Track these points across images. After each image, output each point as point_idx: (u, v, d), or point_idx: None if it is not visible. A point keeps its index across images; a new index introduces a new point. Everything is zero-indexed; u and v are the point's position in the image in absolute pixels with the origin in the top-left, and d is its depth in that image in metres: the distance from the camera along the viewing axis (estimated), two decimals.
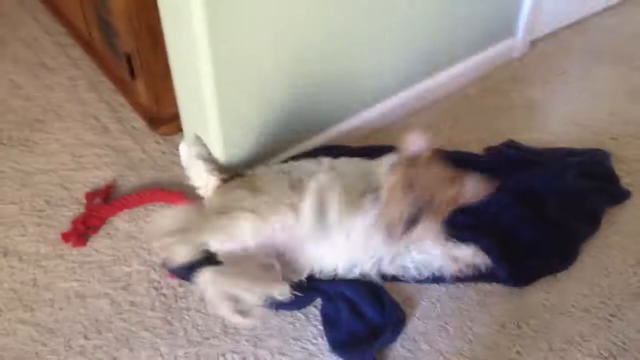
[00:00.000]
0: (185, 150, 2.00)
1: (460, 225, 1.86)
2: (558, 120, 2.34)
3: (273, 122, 1.98)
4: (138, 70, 2.05)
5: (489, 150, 2.19)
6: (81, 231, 1.94)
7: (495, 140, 2.23)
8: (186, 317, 1.80)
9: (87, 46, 2.38)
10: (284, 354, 1.73)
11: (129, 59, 2.04)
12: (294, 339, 1.77)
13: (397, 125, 2.30)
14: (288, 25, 1.81)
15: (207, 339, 1.75)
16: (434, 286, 1.87)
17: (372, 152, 2.01)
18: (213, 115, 1.84)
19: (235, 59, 1.75)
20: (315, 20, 1.87)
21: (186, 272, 1.77)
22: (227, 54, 1.72)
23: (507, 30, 2.49)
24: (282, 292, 1.70)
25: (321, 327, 1.78)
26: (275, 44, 1.81)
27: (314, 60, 1.95)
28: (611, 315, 1.82)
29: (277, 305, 1.77)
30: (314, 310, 1.82)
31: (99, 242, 1.95)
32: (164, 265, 1.86)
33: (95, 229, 1.97)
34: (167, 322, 1.79)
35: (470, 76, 2.46)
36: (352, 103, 2.17)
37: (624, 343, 1.76)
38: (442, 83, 2.38)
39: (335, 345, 1.74)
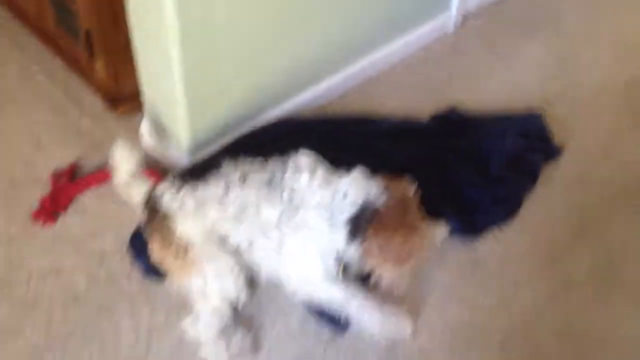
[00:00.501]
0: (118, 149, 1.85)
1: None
2: (495, 87, 2.52)
3: (235, 94, 2.07)
4: (97, 48, 2.09)
5: (434, 117, 2.34)
6: (50, 210, 1.98)
7: (437, 109, 2.38)
8: (162, 285, 1.87)
9: (38, 30, 2.39)
10: (259, 314, 1.84)
11: (88, 37, 2.07)
12: (268, 299, 1.87)
13: (345, 98, 2.43)
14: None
15: (185, 304, 1.82)
16: None
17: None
18: (179, 89, 1.90)
19: (203, 30, 1.82)
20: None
21: (147, 266, 1.86)
22: (194, 26, 1.79)
23: (442, 6, 2.65)
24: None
25: None
26: (238, 15, 1.90)
27: (271, 37, 2.05)
28: (553, 259, 2.01)
29: None
30: None
31: (69, 220, 2.00)
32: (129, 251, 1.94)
33: (64, 207, 2.01)
34: (144, 292, 1.86)
35: (410, 50, 2.60)
36: (303, 79, 2.28)
37: (567, 282, 1.95)
38: (383, 57, 2.51)
39: (310, 307, 1.84)
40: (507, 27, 2.81)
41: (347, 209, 1.63)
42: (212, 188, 1.71)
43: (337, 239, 1.65)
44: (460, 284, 1.94)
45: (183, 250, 1.70)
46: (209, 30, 1.85)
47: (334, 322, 1.81)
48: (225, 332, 1.74)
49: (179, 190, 1.72)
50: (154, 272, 1.87)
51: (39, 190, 2.05)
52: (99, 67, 2.16)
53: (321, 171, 1.69)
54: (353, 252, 1.65)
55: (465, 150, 2.19)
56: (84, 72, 2.26)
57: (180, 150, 2.09)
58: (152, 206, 1.74)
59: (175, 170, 2.02)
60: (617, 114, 2.44)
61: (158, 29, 1.81)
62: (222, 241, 1.73)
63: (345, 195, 1.63)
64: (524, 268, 1.98)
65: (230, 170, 1.74)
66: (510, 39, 2.75)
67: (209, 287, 1.70)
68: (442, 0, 2.64)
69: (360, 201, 1.62)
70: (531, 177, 2.18)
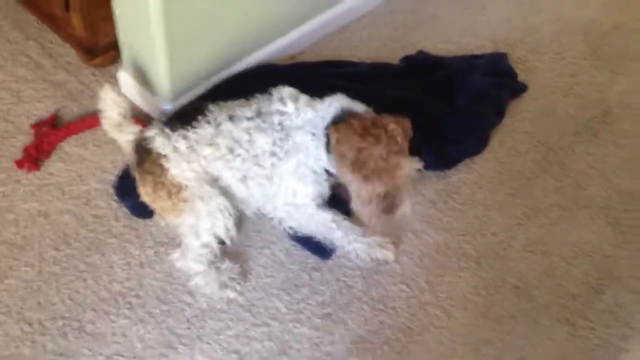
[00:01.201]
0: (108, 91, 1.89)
1: None
2: (459, 32, 2.60)
3: (214, 41, 2.12)
4: (73, 1, 2.11)
5: (405, 59, 2.42)
6: (34, 156, 2.02)
7: (407, 52, 2.46)
8: (149, 222, 1.93)
9: None
10: (247, 246, 1.91)
11: None
12: (254, 232, 1.95)
13: (315, 47, 2.49)
14: None
15: (173, 238, 1.90)
16: None
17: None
18: (158, 37, 1.93)
19: None
20: None
21: (134, 205, 1.92)
22: None
23: None
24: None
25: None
26: None
27: None
28: (522, 186, 2.12)
29: None
30: None
31: (52, 166, 2.03)
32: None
33: (47, 154, 2.05)
34: (132, 229, 1.91)
35: (377, 1, 2.67)
36: (275, 29, 2.34)
37: (535, 206, 2.06)
38: (352, 8, 2.57)
39: (294, 238, 1.92)
40: None
41: (327, 118, 1.73)
42: (203, 129, 1.79)
43: (322, 154, 1.73)
44: (435, 211, 2.03)
45: (176, 191, 1.77)
46: None
47: (319, 250, 1.89)
48: (213, 264, 1.81)
49: (170, 133, 1.79)
50: (140, 211, 1.93)
51: (21, 141, 2.08)
52: (75, 19, 2.18)
53: (304, 97, 1.76)
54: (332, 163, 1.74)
55: (433, 86, 2.27)
56: (59, 26, 2.28)
57: (159, 97, 2.13)
58: (143, 149, 1.80)
59: (160, 116, 2.06)
60: (577, 53, 2.55)
61: None
62: (214, 181, 1.80)
63: (327, 109, 1.71)
64: (495, 195, 2.09)
65: (217, 111, 1.82)
66: None
67: (201, 226, 1.77)
68: None
69: (338, 109, 1.72)
70: (497, 111, 2.28)
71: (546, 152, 2.21)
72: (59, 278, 1.79)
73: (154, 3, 1.84)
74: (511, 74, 2.40)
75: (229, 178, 1.82)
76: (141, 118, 2.14)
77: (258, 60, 2.33)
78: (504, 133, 2.25)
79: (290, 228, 1.89)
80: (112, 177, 2.01)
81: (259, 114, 1.80)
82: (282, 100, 1.79)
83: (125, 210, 1.94)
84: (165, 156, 1.78)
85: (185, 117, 1.85)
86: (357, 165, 1.69)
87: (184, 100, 2.15)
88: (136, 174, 1.84)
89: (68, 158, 2.06)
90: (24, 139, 2.08)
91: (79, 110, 2.19)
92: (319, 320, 1.78)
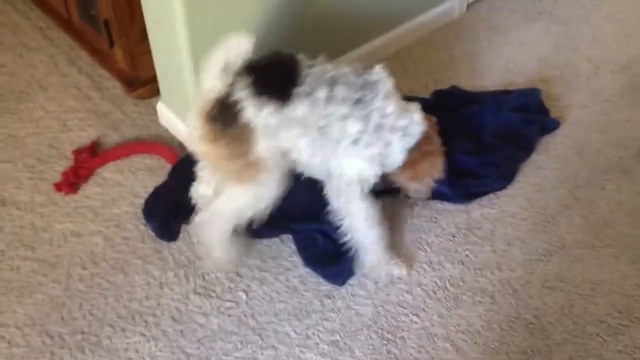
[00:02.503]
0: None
1: None
2: (494, 69, 2.62)
3: None
4: (116, 36, 2.27)
5: (436, 93, 2.45)
6: (72, 180, 2.15)
7: (440, 87, 2.49)
8: (173, 246, 2.02)
9: (65, 25, 2.58)
10: (263, 270, 1.96)
11: (107, 27, 2.26)
12: (271, 258, 2.00)
13: None
14: None
15: (193, 261, 1.97)
16: (397, 209, 2.12)
17: None
18: (189, 78, 2.05)
19: (211, 23, 1.96)
20: None
21: (158, 228, 2.02)
22: (201, 16, 1.94)
23: None
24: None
25: (294, 248, 2.01)
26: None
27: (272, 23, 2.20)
28: (546, 222, 2.09)
29: (252, 234, 2.00)
30: (288, 236, 2.05)
31: (89, 190, 2.16)
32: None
33: (84, 178, 2.18)
34: (156, 251, 2.00)
35: (417, 34, 2.72)
36: None
37: (557, 243, 2.03)
38: (391, 40, 2.64)
39: (309, 262, 1.97)
40: (508, 13, 2.91)
41: (415, 136, 1.85)
42: (298, 106, 1.70)
43: (401, 156, 1.86)
44: (453, 244, 2.03)
45: (253, 165, 1.73)
46: (217, 22, 2.00)
47: (333, 276, 1.93)
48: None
49: (262, 104, 1.67)
50: (165, 233, 2.02)
51: (62, 166, 2.22)
52: (118, 54, 2.34)
53: (398, 98, 1.84)
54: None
55: (460, 121, 2.29)
56: (105, 60, 2.44)
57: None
58: (228, 106, 1.67)
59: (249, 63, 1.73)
60: (613, 91, 2.51)
61: (168, 21, 1.96)
62: (285, 154, 1.79)
63: (414, 125, 1.85)
64: (517, 230, 2.07)
65: (314, 82, 1.71)
66: (511, 26, 2.84)
67: (246, 202, 1.79)
68: None
69: (423, 131, 1.86)
70: (525, 148, 2.27)
71: (574, 189, 2.18)
72: (83, 295, 1.89)
73: (183, 39, 1.96)
74: (542, 111, 2.39)
75: (304, 152, 1.79)
76: (173, 147, 2.25)
77: None
78: (531, 169, 2.24)
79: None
80: (142, 201, 2.11)
81: (358, 102, 1.77)
82: (386, 97, 1.79)
83: (151, 232, 2.04)
84: (254, 130, 1.69)
85: (278, 79, 1.72)
86: (417, 173, 1.94)
87: None
88: (209, 128, 1.70)
89: (104, 183, 2.18)
90: (66, 164, 2.22)
91: (119, 138, 2.32)
92: (326, 347, 1.80)
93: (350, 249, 1.95)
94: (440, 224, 2.08)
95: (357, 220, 1.88)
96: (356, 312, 1.88)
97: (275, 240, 2.04)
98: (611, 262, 1.98)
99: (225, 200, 1.82)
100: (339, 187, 1.85)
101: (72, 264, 1.97)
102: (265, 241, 2.03)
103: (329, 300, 1.90)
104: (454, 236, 2.05)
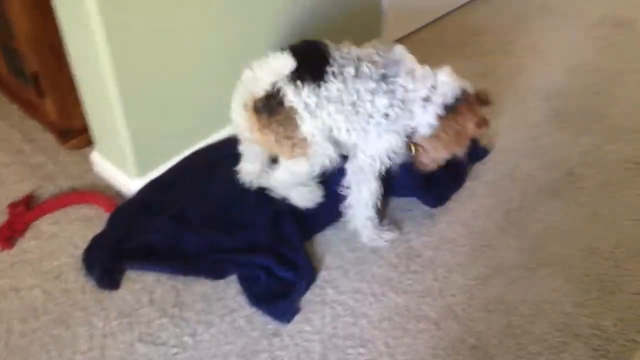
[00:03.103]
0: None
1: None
2: None
3: (176, 122, 2.23)
4: (46, 88, 2.26)
5: None
6: (8, 235, 2.11)
7: None
8: (115, 295, 1.99)
9: None
10: (208, 313, 1.95)
11: (36, 79, 2.24)
12: (216, 300, 1.99)
13: None
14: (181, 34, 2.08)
15: (137, 310, 1.95)
16: (337, 243, 2.15)
17: None
18: (121, 124, 2.06)
19: (138, 70, 2.00)
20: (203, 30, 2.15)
21: (99, 278, 2.00)
22: (129, 66, 1.96)
23: (374, 33, 2.86)
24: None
25: (240, 288, 2.01)
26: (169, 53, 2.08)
27: (207, 73, 2.23)
28: (484, 246, 2.15)
29: (197, 274, 2.01)
30: (232, 277, 2.05)
31: (26, 244, 2.12)
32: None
33: (21, 232, 2.14)
34: (98, 302, 1.97)
35: None
36: None
37: (495, 266, 2.09)
38: None
39: (255, 300, 1.97)
40: (433, 48, 3.02)
41: (447, 97, 1.99)
42: (331, 84, 1.92)
43: (431, 120, 2.00)
44: (396, 274, 2.07)
45: (301, 144, 1.98)
46: (144, 70, 2.03)
47: (279, 314, 1.93)
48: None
49: (301, 87, 1.91)
50: (106, 282, 1.99)
51: None
52: (49, 106, 2.33)
53: (423, 71, 2.01)
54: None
55: None
56: (36, 112, 2.42)
57: (129, 175, 2.23)
58: (270, 103, 1.92)
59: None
60: (540, 117, 2.63)
61: (95, 71, 1.98)
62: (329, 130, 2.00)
63: (442, 86, 2.00)
64: (456, 256, 2.12)
65: (342, 61, 1.94)
66: (436, 60, 2.93)
67: (304, 171, 2.05)
68: (372, 29, 2.84)
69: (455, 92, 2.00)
70: (456, 177, 2.34)
71: (507, 213, 2.25)
72: (25, 351, 1.84)
73: (112, 88, 1.97)
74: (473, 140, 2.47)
75: (342, 129, 1.99)
76: (110, 196, 2.24)
77: (231, 134, 2.43)
78: (467, 196, 2.31)
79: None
80: (81, 252, 2.08)
81: (384, 77, 1.95)
82: (407, 74, 1.97)
83: (92, 283, 2.01)
84: (297, 112, 1.92)
85: (311, 63, 1.93)
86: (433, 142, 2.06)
87: (153, 174, 2.25)
88: (256, 118, 1.95)
89: (42, 235, 2.15)
90: (1, 218, 2.18)
91: (54, 189, 2.30)
92: None
93: (295, 283, 1.97)
94: (382, 255, 2.12)
95: (364, 195, 2.06)
96: (304, 348, 1.88)
97: (220, 281, 2.04)
98: (548, 282, 2.04)
99: (283, 170, 2.09)
100: (363, 163, 2.03)
101: (13, 319, 1.92)
102: (209, 283, 2.03)
103: (276, 339, 1.90)
104: (395, 266, 2.09)
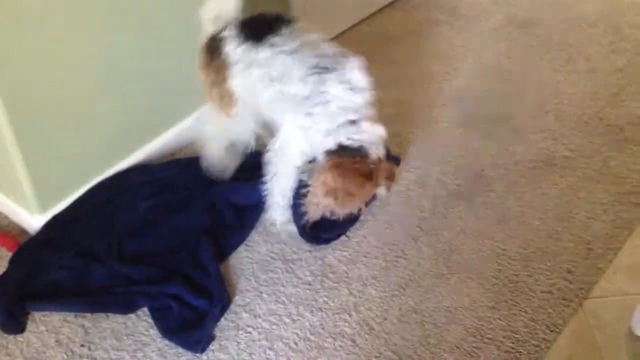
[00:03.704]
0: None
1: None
2: None
3: (76, 154, 2.17)
4: None
5: None
6: None
7: None
8: (20, 338, 1.91)
9: None
10: (119, 350, 1.90)
11: None
12: (127, 335, 1.93)
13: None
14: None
15: (44, 352, 1.88)
16: (249, 263, 2.13)
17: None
18: (20, 167, 2.00)
19: (28, 104, 1.94)
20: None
21: (3, 322, 1.93)
22: (17, 100, 1.90)
23: None
24: None
25: (151, 321, 1.96)
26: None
27: (103, 100, 2.17)
28: (397, 257, 2.16)
29: (105, 309, 1.96)
30: (143, 309, 2.00)
31: None
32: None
33: None
34: (2, 347, 1.89)
35: None
36: (150, 128, 2.41)
37: (409, 276, 2.10)
38: None
39: (167, 333, 1.92)
40: None
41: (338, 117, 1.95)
42: (263, 52, 1.97)
43: (327, 143, 1.96)
44: (311, 292, 2.05)
45: (228, 96, 2.07)
46: (36, 106, 1.97)
47: (191, 345, 1.89)
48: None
49: (241, 44, 2.00)
50: (11, 326, 1.92)
51: None
52: None
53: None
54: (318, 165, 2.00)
55: None
56: None
57: (30, 211, 2.15)
58: (216, 45, 2.04)
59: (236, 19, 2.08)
60: (449, 124, 2.66)
61: None
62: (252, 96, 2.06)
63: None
64: (370, 269, 2.12)
65: (288, 40, 1.98)
66: None
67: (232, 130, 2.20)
68: None
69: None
70: None
71: (419, 221, 2.26)
72: None
73: (4, 125, 1.90)
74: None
75: (264, 98, 2.01)
76: (11, 234, 2.16)
77: (137, 161, 2.38)
78: (379, 207, 2.31)
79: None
80: None
81: (315, 67, 1.92)
82: (339, 83, 1.92)
83: None
84: (230, 63, 2.02)
85: (259, 26, 2.01)
86: (332, 194, 1.95)
87: (56, 210, 2.17)
88: (203, 56, 2.09)
89: None
90: None
91: None
92: None
93: (207, 312, 1.94)
94: (296, 274, 2.10)
95: (280, 183, 2.09)
96: None
97: (131, 316, 1.98)
98: (461, 288, 2.06)
99: (210, 124, 2.23)
100: (280, 147, 2.04)
101: None
102: (119, 318, 1.97)
103: None
104: (310, 284, 2.08)
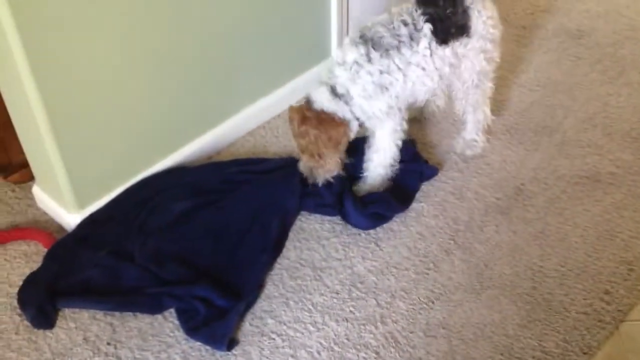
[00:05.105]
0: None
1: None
2: None
3: (114, 154, 2.20)
4: None
5: None
6: None
7: None
8: (50, 334, 1.95)
9: None
10: (144, 350, 1.91)
11: None
12: (153, 335, 1.95)
13: (234, 146, 2.56)
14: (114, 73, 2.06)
15: (71, 349, 1.91)
16: (278, 269, 2.12)
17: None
18: (53, 152, 2.02)
19: (68, 102, 1.97)
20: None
21: (34, 317, 1.96)
22: (57, 97, 1.93)
23: (322, 54, 2.83)
24: None
25: (177, 322, 1.97)
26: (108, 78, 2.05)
27: (145, 96, 2.20)
28: (428, 269, 2.11)
29: (134, 309, 1.98)
30: (170, 310, 2.01)
31: None
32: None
33: None
34: (32, 342, 1.93)
35: (297, 94, 2.76)
36: (186, 131, 2.43)
37: (439, 290, 2.05)
38: (267, 107, 2.66)
39: (191, 331, 1.93)
40: None
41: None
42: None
43: None
44: (338, 302, 2.03)
45: None
46: (76, 104, 2.00)
47: (216, 342, 1.90)
48: None
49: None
50: (41, 321, 1.95)
51: None
52: None
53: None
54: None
55: None
56: None
57: (67, 208, 2.19)
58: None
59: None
60: (491, 134, 2.59)
61: (25, 107, 1.95)
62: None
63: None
64: (400, 280, 2.08)
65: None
66: None
67: None
68: (321, 50, 2.82)
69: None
70: (403, 198, 2.30)
71: (454, 234, 2.21)
72: None
73: (43, 125, 1.94)
74: (419, 159, 2.43)
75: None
76: (50, 231, 2.20)
77: (174, 163, 2.40)
78: (413, 218, 2.27)
79: None
80: (16, 290, 2.04)
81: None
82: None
83: (27, 322, 1.96)
84: None
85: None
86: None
87: (93, 208, 2.21)
88: None
89: None
90: None
91: None
92: None
93: (232, 308, 1.94)
94: (325, 282, 2.08)
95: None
96: None
97: (158, 316, 1.99)
98: (492, 304, 2.01)
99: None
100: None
101: None
102: (147, 318, 1.99)
103: None
104: (338, 293, 2.05)
